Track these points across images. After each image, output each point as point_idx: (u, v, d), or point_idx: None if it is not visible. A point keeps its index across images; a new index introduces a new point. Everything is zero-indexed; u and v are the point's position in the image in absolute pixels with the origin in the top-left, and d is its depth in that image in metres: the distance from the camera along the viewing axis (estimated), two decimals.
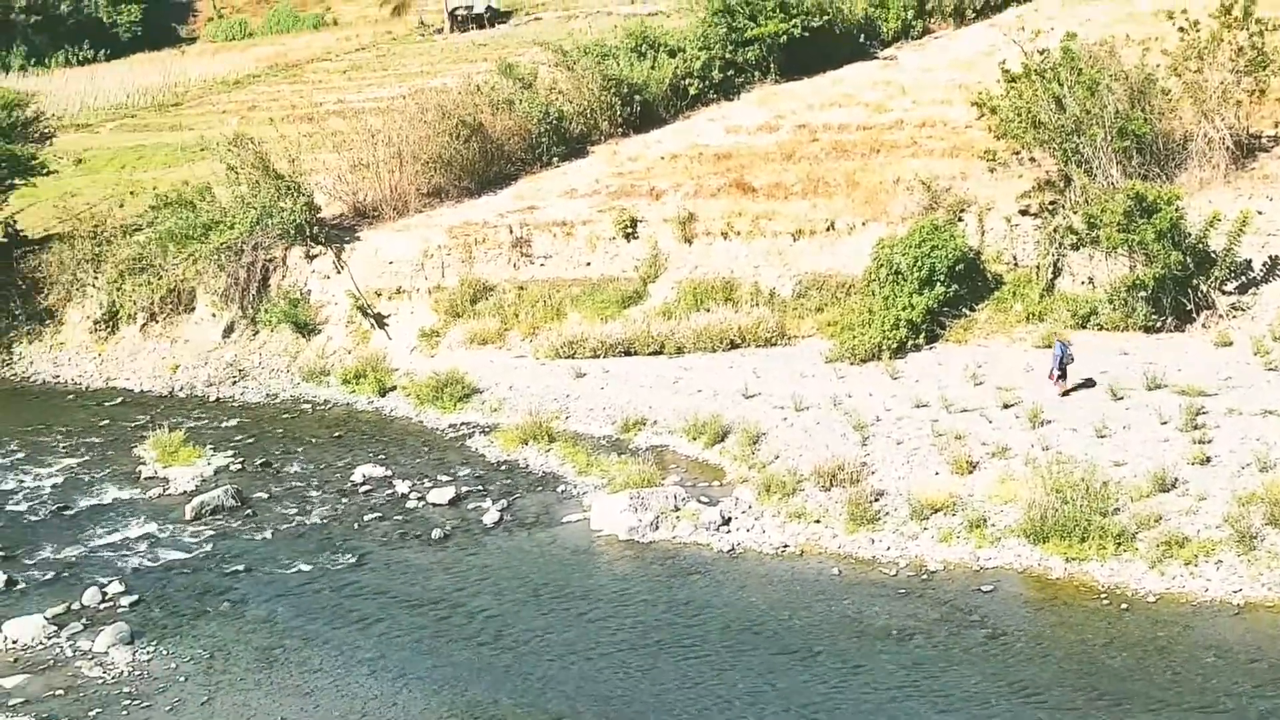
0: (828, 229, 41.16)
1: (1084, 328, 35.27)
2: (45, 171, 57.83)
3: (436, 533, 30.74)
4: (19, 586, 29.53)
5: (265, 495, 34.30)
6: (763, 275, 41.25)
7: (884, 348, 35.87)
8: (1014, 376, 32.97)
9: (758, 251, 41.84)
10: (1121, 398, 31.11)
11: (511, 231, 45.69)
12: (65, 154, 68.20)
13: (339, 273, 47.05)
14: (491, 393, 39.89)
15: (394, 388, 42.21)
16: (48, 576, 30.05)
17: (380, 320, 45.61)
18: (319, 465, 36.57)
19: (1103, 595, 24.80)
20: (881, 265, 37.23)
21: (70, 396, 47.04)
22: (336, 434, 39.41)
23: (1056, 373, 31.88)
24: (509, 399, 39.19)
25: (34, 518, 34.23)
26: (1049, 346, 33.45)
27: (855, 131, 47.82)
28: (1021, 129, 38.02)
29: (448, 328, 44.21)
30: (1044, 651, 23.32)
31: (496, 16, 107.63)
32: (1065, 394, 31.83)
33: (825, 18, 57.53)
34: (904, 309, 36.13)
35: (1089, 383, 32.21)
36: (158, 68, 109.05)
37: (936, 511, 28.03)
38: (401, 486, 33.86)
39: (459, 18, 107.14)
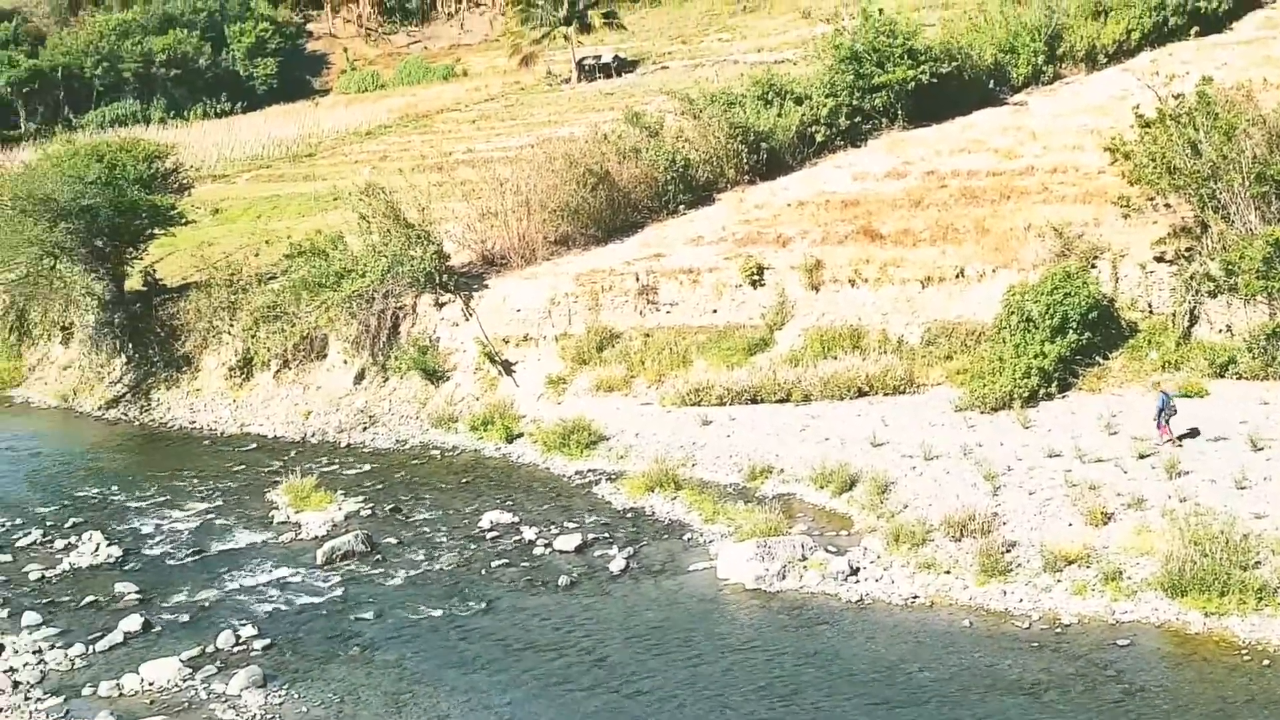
0: (957, 276, 40.72)
1: (1222, 376, 34.53)
2: (184, 221, 59.27)
3: (563, 580, 30.73)
4: (155, 629, 30.01)
5: (395, 541, 34.57)
6: (891, 323, 40.90)
7: (1015, 396, 35.33)
8: (1150, 426, 32.25)
9: (885, 299, 41.50)
10: (1261, 448, 30.31)
11: (638, 279, 45.80)
12: (203, 204, 69.77)
13: (467, 320, 47.47)
14: (618, 440, 39.94)
15: (521, 434, 42.43)
16: (183, 619, 30.50)
17: (508, 367, 45.90)
18: (447, 511, 36.81)
19: (1243, 651, 24.09)
20: (1013, 313, 36.72)
21: (206, 442, 48.01)
22: (464, 480, 39.68)
23: (1160, 422, 31.25)
24: (635, 446, 39.20)
25: (170, 561, 34.86)
26: (1184, 395, 32.81)
27: (985, 178, 47.38)
28: (1156, 174, 37.33)
29: (574, 375, 44.38)
30: (1182, 708, 22.65)
31: (623, 66, 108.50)
32: (1177, 443, 31.13)
33: (954, 64, 57.24)
34: (1036, 357, 35.58)
35: (1193, 432, 31.50)
36: (292, 119, 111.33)
37: (1070, 564, 27.45)
38: (529, 533, 33.96)
39: (586, 68, 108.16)
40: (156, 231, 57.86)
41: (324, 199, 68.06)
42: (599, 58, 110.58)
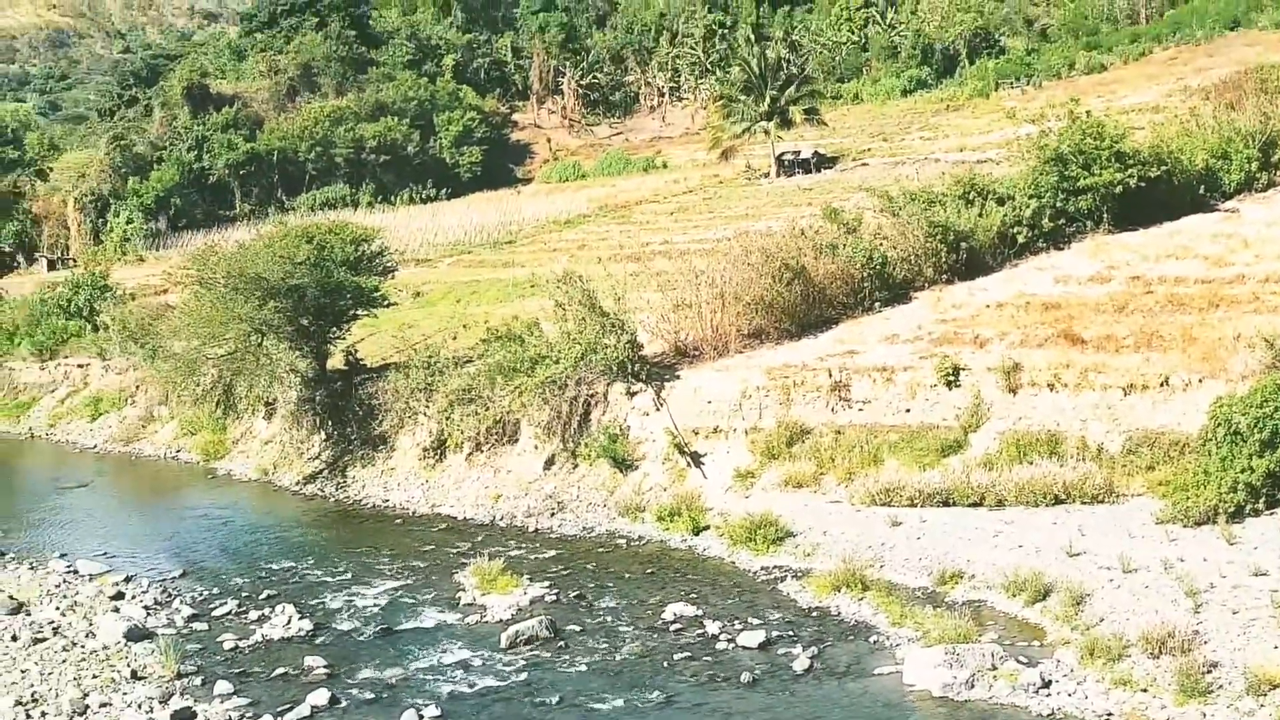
0: (1161, 384, 39.54)
1: None
2: (386, 304, 60.79)
3: (745, 676, 30.35)
4: (341, 704, 30.36)
5: (578, 628, 34.55)
6: (1090, 429, 39.85)
7: (1220, 511, 34.02)
8: None
9: (1085, 405, 40.49)
10: None
11: (830, 375, 45.45)
12: (405, 287, 71.49)
13: (658, 410, 47.56)
14: (805, 536, 39.50)
15: (707, 527, 42.23)
16: (368, 696, 30.81)
17: (696, 459, 45.82)
18: (631, 601, 36.73)
19: None
20: (1219, 424, 35.45)
21: (397, 521, 48.78)
22: (649, 570, 39.59)
23: None
24: (822, 544, 38.73)
25: (359, 637, 35.34)
26: None
27: (1193, 285, 46.12)
28: None
29: (763, 469, 44.10)
30: None
31: (823, 162, 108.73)
32: None
33: (1163, 168, 56.01)
34: (1243, 471, 34.25)
35: None
36: (495, 206, 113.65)
37: (1275, 688, 26.22)
38: (712, 627, 33.65)
39: (785, 162, 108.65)
40: (360, 312, 59.42)
41: (522, 285, 69.27)
42: (798, 153, 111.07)
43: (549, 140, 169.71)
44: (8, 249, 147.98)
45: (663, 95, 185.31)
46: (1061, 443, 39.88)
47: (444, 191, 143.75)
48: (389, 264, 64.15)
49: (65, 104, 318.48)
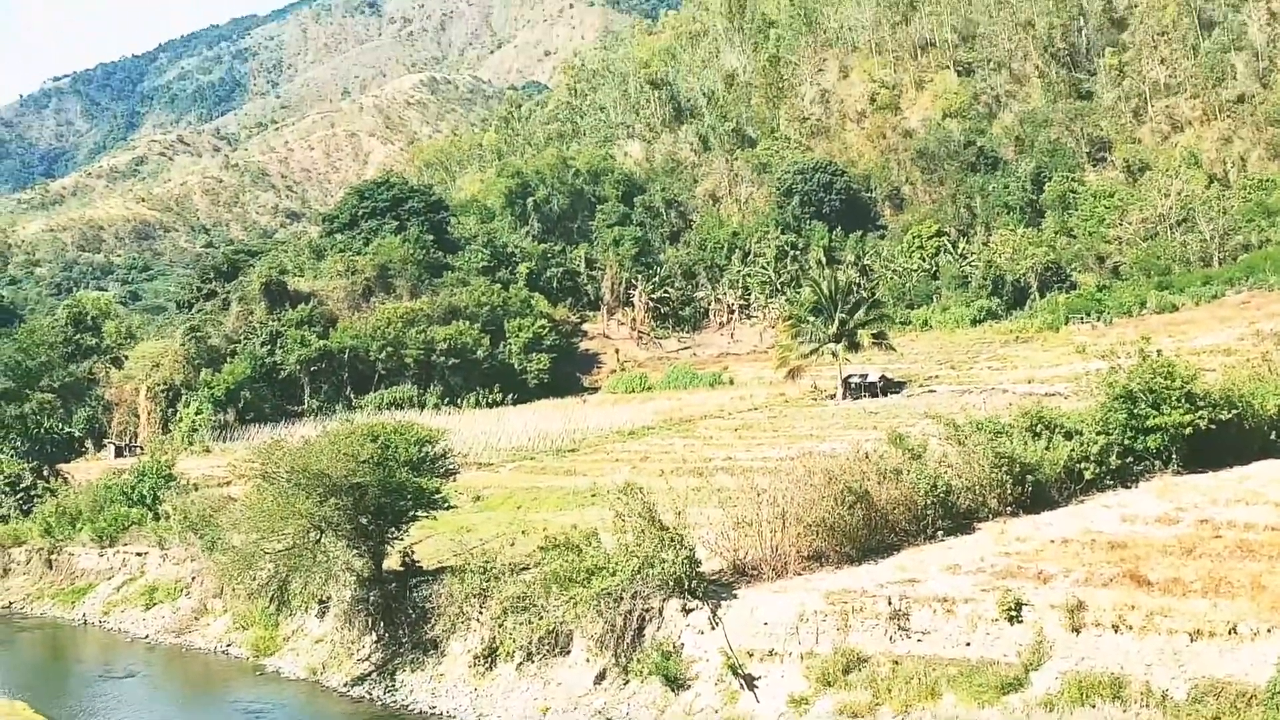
0: (1230, 632, 38.53)
1: None
2: (446, 506, 60.79)
3: None
4: None
5: None
6: (1154, 674, 38.76)
7: None
8: None
9: (1150, 649, 39.46)
10: None
11: (890, 603, 44.66)
12: (466, 490, 71.54)
13: (713, 629, 46.83)
14: None
15: None
16: None
17: (750, 681, 44.93)
18: None
19: None
20: None
21: None
22: None
23: None
24: None
25: None
26: None
27: (1263, 531, 45.26)
28: None
29: (817, 696, 43.13)
30: None
31: (890, 386, 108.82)
32: None
33: (1234, 412, 55.54)
34: None
35: None
36: (560, 414, 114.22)
37: None
38: None
39: (852, 385, 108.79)
40: (419, 514, 59.40)
41: (583, 494, 69.08)
42: (865, 376, 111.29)
43: (617, 351, 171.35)
44: (77, 434, 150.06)
45: (732, 312, 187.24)
46: (1125, 687, 38.78)
47: (510, 396, 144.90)
48: (451, 467, 64.29)
49: (146, 294, 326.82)
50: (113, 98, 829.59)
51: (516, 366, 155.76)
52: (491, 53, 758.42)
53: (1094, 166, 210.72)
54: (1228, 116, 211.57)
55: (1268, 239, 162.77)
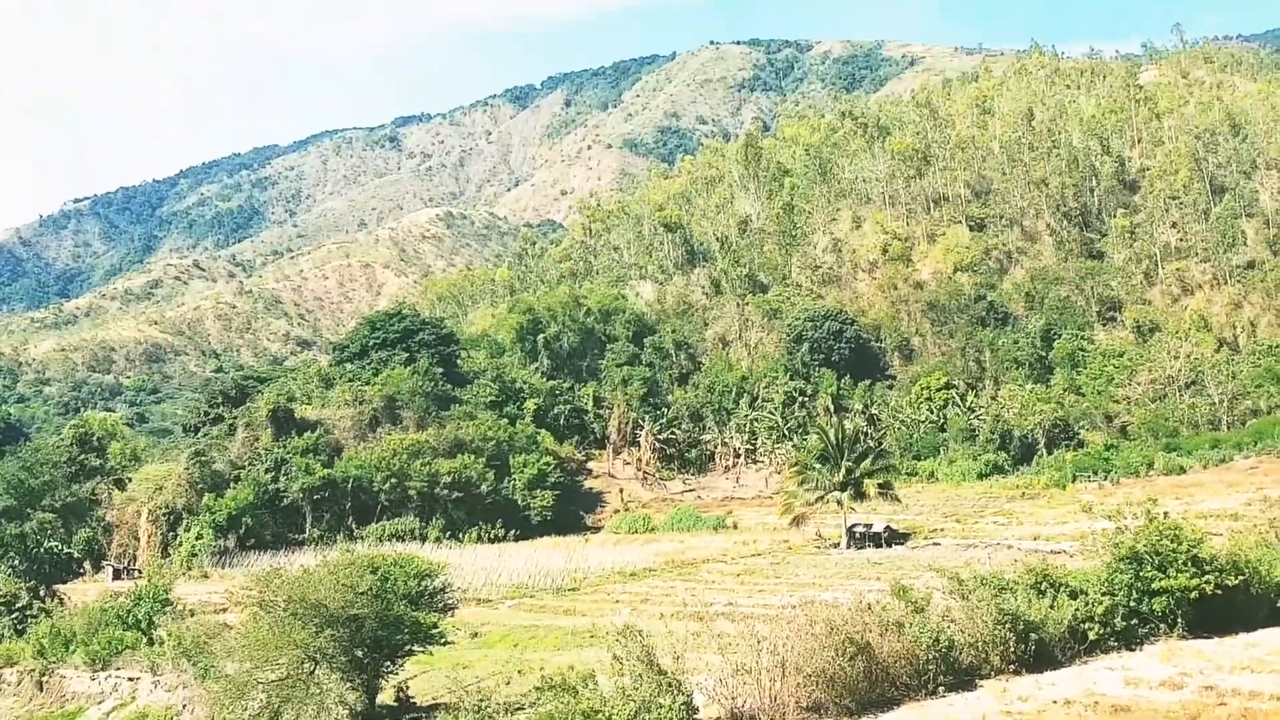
0: None
1: None
2: (444, 642, 60.22)
3: None
4: None
5: None
6: None
7: None
8: None
9: None
10: None
11: None
12: (464, 626, 70.97)
13: None
14: None
15: None
16: None
17: None
18: None
19: None
20: None
21: None
22: None
23: None
24: None
25: None
26: None
27: (1268, 700, 44.62)
28: None
29: None
30: None
31: (894, 537, 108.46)
32: None
33: (1241, 578, 55.12)
34: None
35: None
36: (561, 552, 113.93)
37: None
38: None
39: (856, 534, 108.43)
40: (416, 649, 58.78)
41: (581, 635, 68.48)
42: (870, 526, 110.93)
43: (621, 491, 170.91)
44: (76, 555, 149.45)
45: (738, 456, 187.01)
46: None
47: (513, 532, 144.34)
48: (450, 601, 63.79)
49: (153, 417, 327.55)
50: (131, 221, 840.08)
51: (520, 502, 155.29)
52: (509, 190, 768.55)
53: (1104, 326, 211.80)
54: (1238, 282, 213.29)
55: (1276, 405, 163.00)
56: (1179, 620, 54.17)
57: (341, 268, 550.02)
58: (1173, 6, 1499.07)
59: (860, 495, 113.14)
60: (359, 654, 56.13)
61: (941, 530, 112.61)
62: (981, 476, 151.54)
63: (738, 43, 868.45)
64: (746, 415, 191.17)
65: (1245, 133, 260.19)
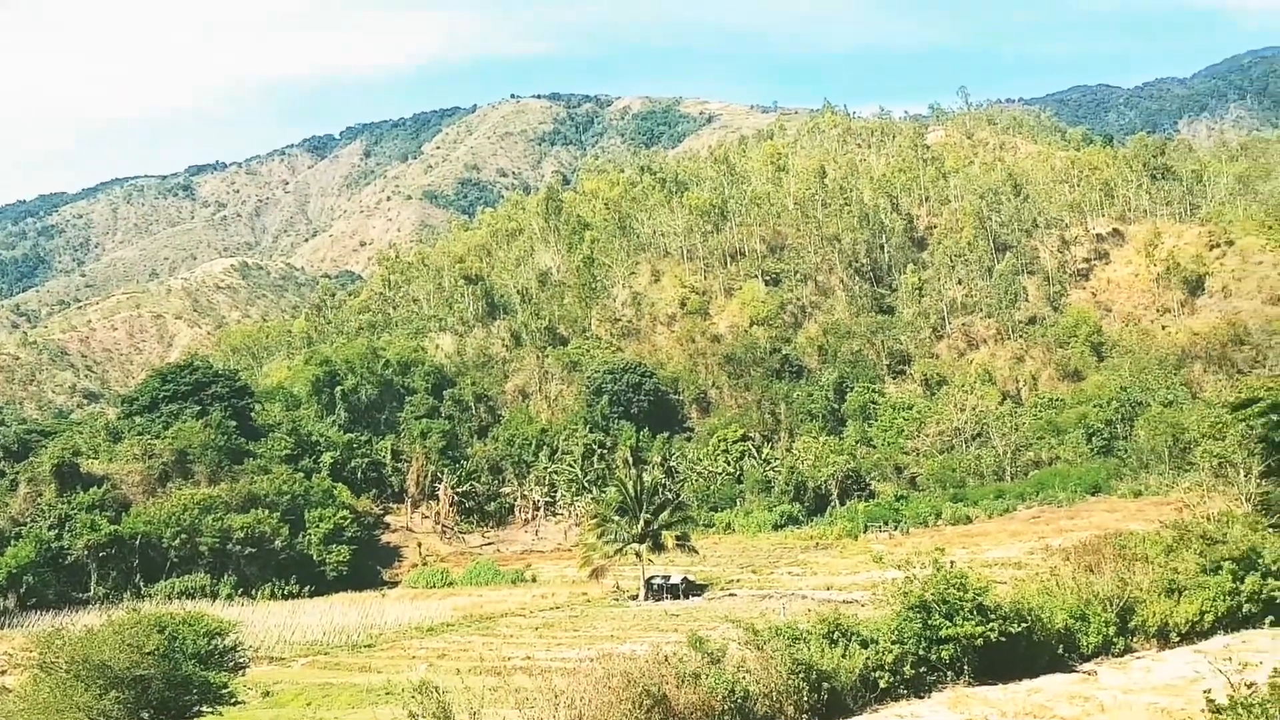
0: None
1: None
2: (234, 701, 58.84)
3: None
4: None
5: None
6: None
7: None
8: None
9: None
10: None
11: None
12: (255, 685, 69.50)
13: None
14: None
15: None
16: None
17: None
18: None
19: None
20: None
21: None
22: None
23: None
24: None
25: None
26: None
27: None
28: None
29: None
30: None
31: (691, 588, 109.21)
32: None
33: (1024, 625, 56.76)
34: None
35: None
36: (357, 608, 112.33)
37: None
38: None
39: (654, 586, 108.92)
40: (205, 710, 57.31)
41: (376, 692, 67.56)
42: (668, 578, 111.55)
43: (419, 545, 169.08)
44: None
45: (538, 509, 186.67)
46: None
47: (307, 589, 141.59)
48: (241, 660, 62.46)
49: None
50: None
51: (315, 558, 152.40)
52: (306, 240, 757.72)
53: (894, 379, 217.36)
54: (1020, 336, 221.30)
55: (1057, 456, 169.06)
56: (965, 668, 55.52)
57: (132, 318, 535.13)
58: (958, 70, 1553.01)
59: (658, 547, 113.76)
60: (145, 716, 54.44)
61: (738, 581, 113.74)
62: (777, 527, 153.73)
63: (538, 96, 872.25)
64: (546, 468, 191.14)
65: (1026, 192, 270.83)
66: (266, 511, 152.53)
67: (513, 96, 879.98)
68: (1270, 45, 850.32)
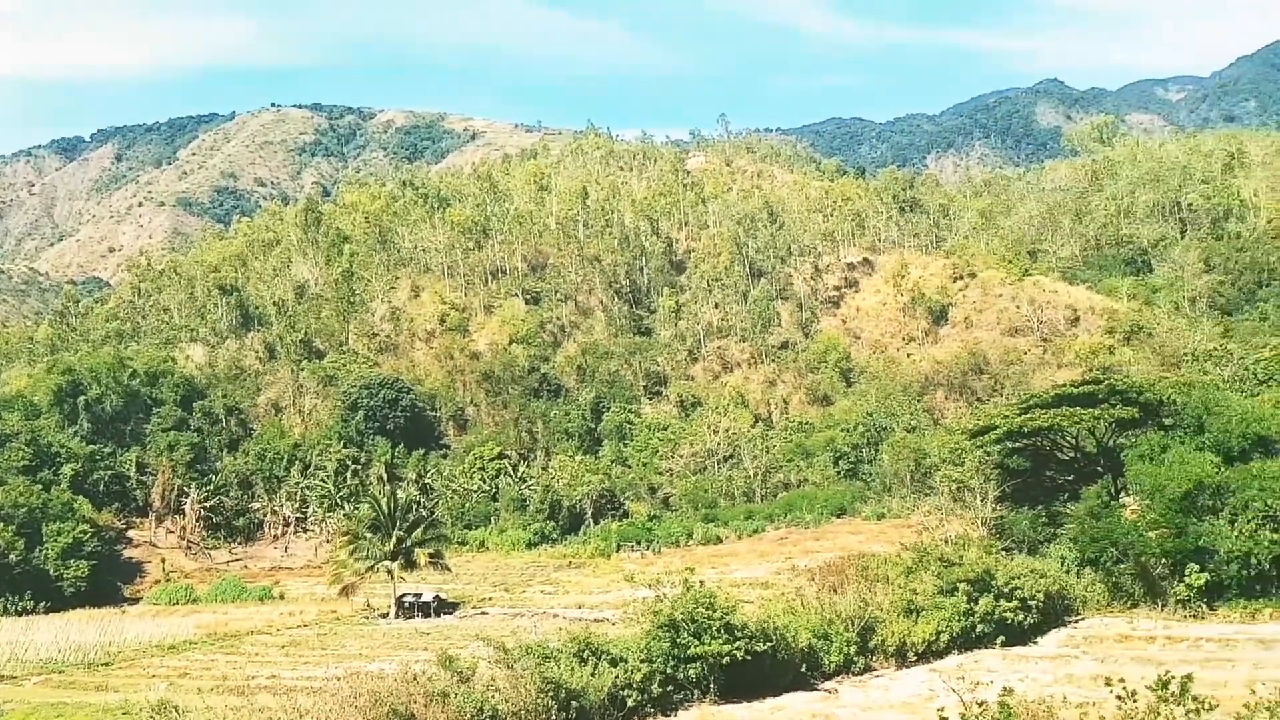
0: None
1: None
2: None
3: None
4: None
5: None
6: None
7: None
8: None
9: None
10: None
11: None
12: None
13: None
14: None
15: None
16: None
17: None
18: None
19: None
20: None
21: None
22: None
23: None
24: None
25: None
26: None
27: None
28: None
29: None
30: None
31: (443, 606, 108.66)
32: None
33: (769, 644, 57.98)
34: None
35: None
36: (95, 625, 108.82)
37: None
38: None
39: (406, 604, 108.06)
40: None
41: (113, 712, 65.58)
42: (420, 596, 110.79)
43: (163, 561, 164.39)
44: None
45: (288, 525, 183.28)
46: None
47: (44, 605, 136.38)
48: None
49: None
50: None
51: (52, 573, 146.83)
52: (52, 245, 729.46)
53: (650, 400, 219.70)
54: (773, 361, 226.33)
55: (805, 479, 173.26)
56: (712, 686, 56.45)
57: None
58: (719, 99, 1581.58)
59: (411, 564, 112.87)
60: None
61: (490, 599, 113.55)
62: (531, 546, 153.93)
63: (300, 106, 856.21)
64: (298, 483, 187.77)
65: (782, 220, 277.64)
66: (1, 524, 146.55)
67: (274, 105, 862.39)
68: (1013, 86, 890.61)
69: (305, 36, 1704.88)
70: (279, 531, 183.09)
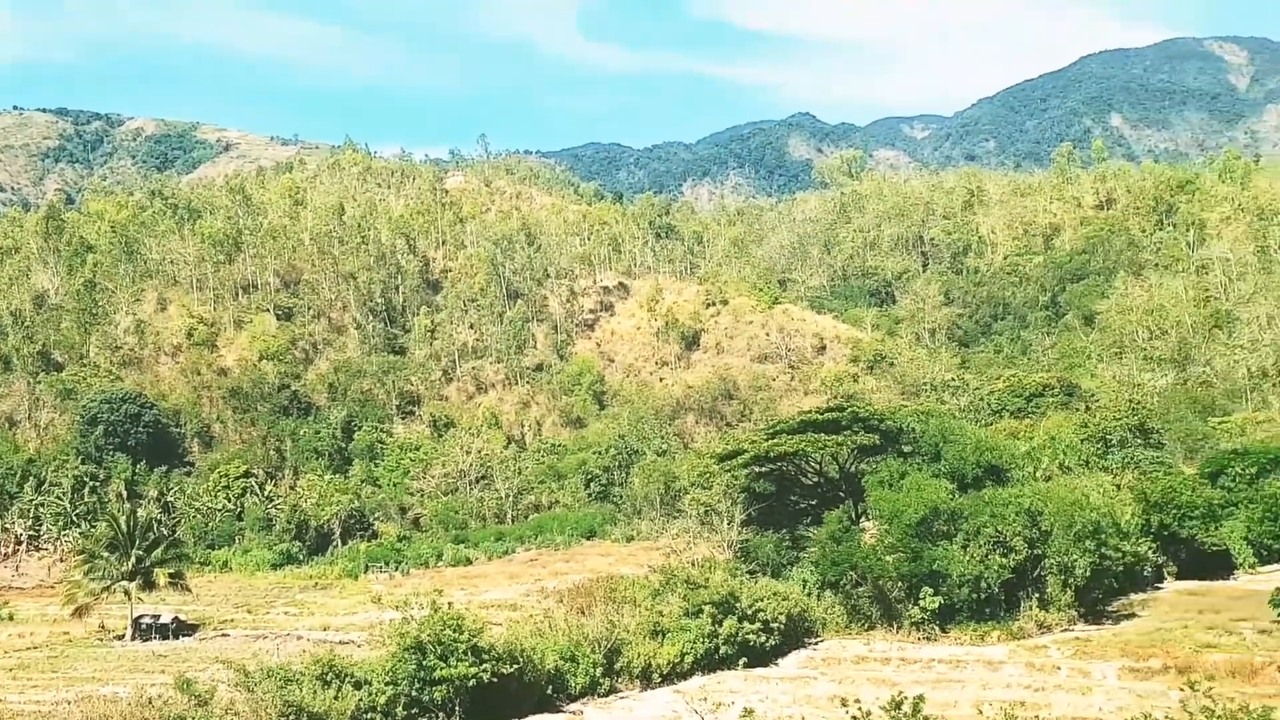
0: None
1: None
2: None
3: None
4: None
5: None
6: None
7: None
8: None
9: None
10: None
11: None
12: None
13: None
14: None
15: None
16: None
17: None
18: None
19: None
20: None
21: None
22: None
23: None
24: None
25: None
26: None
27: None
28: None
29: None
30: None
31: (182, 628, 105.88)
32: None
33: (516, 666, 58.08)
34: None
35: None
36: None
37: None
38: None
39: (143, 626, 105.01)
40: None
41: None
42: (158, 617, 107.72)
43: None
44: None
45: (20, 543, 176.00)
46: None
47: None
48: None
49: None
50: None
51: None
52: None
53: (403, 420, 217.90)
54: (527, 382, 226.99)
55: (556, 500, 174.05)
56: (458, 709, 56.27)
57: None
58: (478, 119, 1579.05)
59: (150, 585, 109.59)
60: None
61: (232, 621, 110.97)
62: (276, 566, 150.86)
63: (44, 110, 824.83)
64: (32, 500, 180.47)
65: (539, 242, 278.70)
66: None
67: (15, 108, 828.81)
68: (767, 119, 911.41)
69: (49, 36, 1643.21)
70: (9, 550, 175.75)
